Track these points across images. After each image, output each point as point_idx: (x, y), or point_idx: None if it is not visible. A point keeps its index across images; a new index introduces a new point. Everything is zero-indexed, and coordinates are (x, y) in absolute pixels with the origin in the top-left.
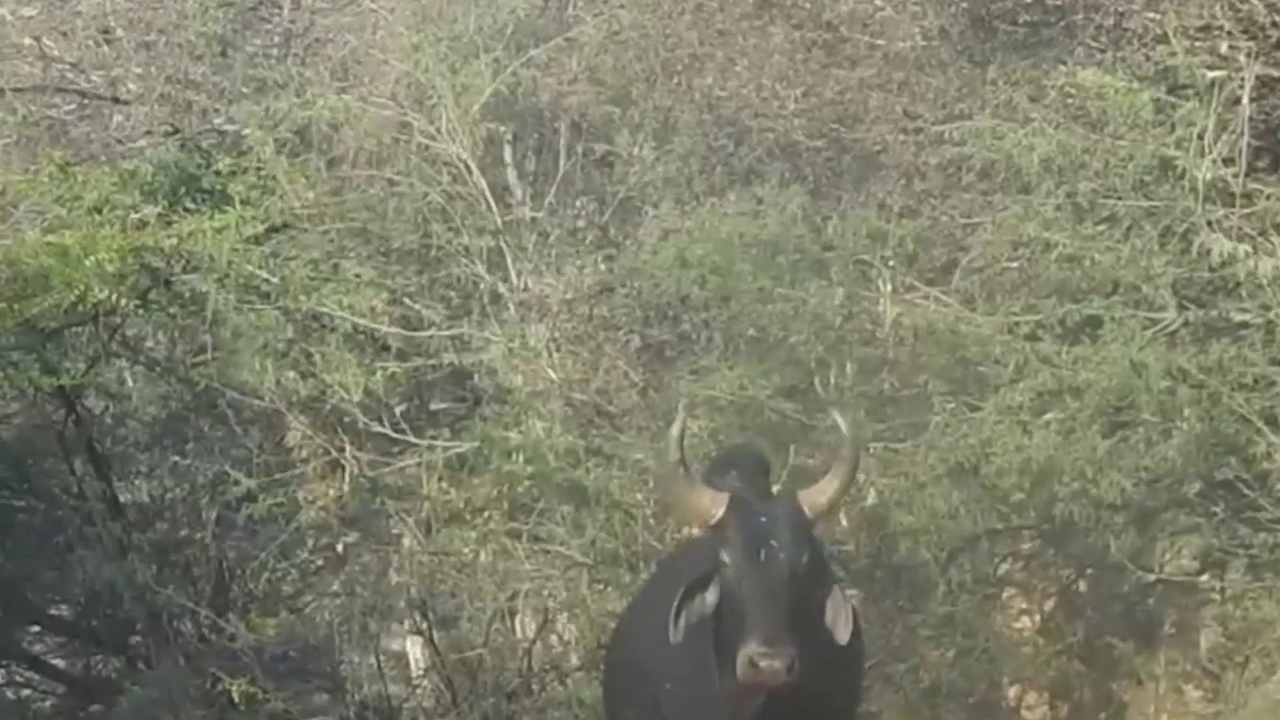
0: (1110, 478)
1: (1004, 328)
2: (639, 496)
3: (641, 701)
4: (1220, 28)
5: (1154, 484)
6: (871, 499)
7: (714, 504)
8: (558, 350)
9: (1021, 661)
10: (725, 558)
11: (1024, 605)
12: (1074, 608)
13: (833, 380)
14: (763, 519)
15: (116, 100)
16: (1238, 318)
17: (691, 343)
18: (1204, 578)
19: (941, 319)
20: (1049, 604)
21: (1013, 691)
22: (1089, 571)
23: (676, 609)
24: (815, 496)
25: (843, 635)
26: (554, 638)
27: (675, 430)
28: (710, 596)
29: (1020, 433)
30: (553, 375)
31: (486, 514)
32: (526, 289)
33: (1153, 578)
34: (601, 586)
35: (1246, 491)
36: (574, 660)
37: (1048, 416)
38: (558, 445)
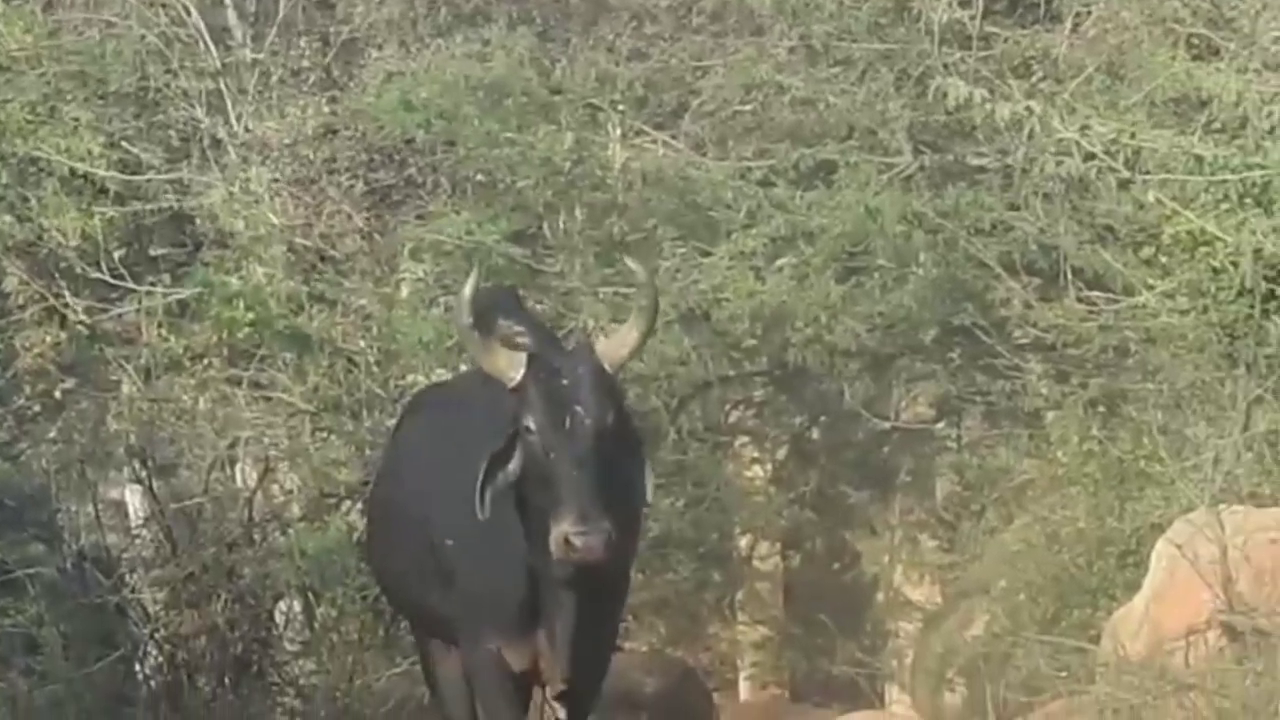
0: (845, 323)
1: (736, 172)
2: (362, 343)
3: (415, 551)
4: None
5: (889, 330)
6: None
7: (511, 365)
8: (279, 194)
9: (753, 510)
10: (530, 424)
11: (755, 454)
12: (807, 456)
13: (561, 225)
14: (565, 381)
15: None
16: (975, 162)
17: (417, 187)
18: (940, 425)
19: (672, 164)
20: (781, 452)
21: (744, 541)
22: (822, 419)
23: (481, 486)
24: (615, 349)
25: (648, 495)
26: (275, 487)
27: (467, 292)
28: (513, 466)
29: (753, 278)
30: (274, 220)
31: (206, 361)
32: (248, 131)
33: (888, 425)
34: (324, 434)
35: (984, 338)
36: (296, 510)
37: (781, 262)
38: (279, 291)
